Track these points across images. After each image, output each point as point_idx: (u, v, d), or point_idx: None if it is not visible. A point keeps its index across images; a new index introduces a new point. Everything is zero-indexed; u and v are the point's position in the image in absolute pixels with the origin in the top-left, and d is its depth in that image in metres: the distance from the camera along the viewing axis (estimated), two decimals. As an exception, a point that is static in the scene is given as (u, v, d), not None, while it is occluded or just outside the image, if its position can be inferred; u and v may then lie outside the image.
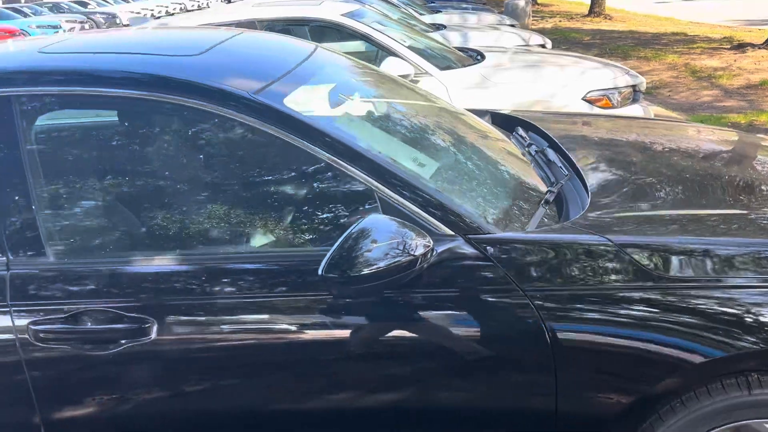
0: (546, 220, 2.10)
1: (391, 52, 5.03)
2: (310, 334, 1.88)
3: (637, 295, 1.84)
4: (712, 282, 1.86)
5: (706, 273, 1.87)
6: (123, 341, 1.85)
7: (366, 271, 1.72)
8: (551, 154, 2.63)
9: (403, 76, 4.75)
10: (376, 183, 1.90)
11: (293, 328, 1.86)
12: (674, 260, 1.90)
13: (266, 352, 1.87)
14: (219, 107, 1.94)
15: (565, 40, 13.83)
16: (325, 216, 1.99)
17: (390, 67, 4.74)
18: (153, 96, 1.93)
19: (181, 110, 1.96)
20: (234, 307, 1.86)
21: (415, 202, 1.89)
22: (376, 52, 5.33)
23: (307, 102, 2.17)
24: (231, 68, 2.19)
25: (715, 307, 1.83)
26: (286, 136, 1.92)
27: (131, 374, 1.88)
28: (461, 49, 5.98)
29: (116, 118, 2.18)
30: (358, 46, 5.52)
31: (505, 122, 3.25)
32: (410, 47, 5.26)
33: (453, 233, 1.89)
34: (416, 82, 4.92)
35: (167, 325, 1.86)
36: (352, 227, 1.77)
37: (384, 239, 1.76)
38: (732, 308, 1.83)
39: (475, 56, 5.66)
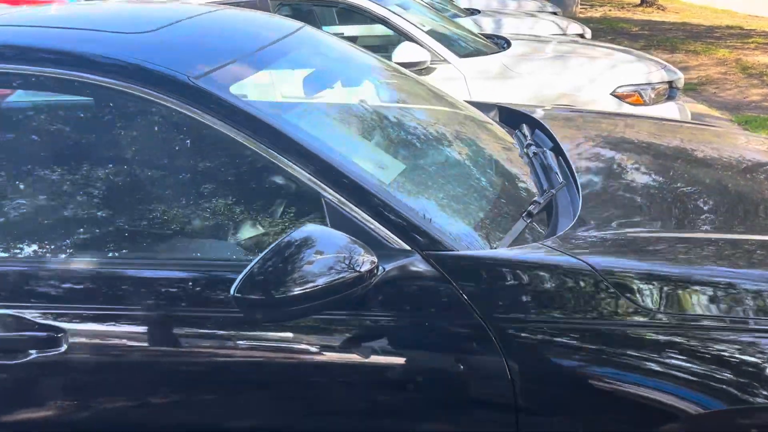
0: (528, 236, 1.83)
1: (408, 37, 4.75)
2: (229, 358, 1.65)
3: (618, 330, 1.57)
4: (720, 322, 1.57)
5: (714, 311, 1.59)
6: (32, 351, 1.66)
7: (297, 290, 1.47)
8: (550, 158, 2.34)
9: (418, 63, 4.49)
10: (322, 185, 1.65)
11: (212, 349, 1.64)
12: (672, 294, 1.62)
13: (185, 372, 1.66)
14: (152, 92, 1.71)
15: (611, 30, 13.28)
16: (262, 222, 1.75)
17: (404, 52, 4.47)
18: (76, 76, 1.72)
19: (107, 94, 1.74)
20: (153, 320, 1.65)
21: (367, 209, 1.64)
22: (395, 36, 5.05)
23: (262, 89, 1.94)
24: (181, 48, 1.96)
25: (722, 352, 1.54)
26: (224, 127, 1.68)
27: (40, 387, 1.68)
28: (488, 36, 5.65)
29: (34, 101, 1.97)
30: (378, 29, 5.26)
31: (512, 118, 2.96)
32: (430, 32, 4.97)
33: (408, 248, 1.64)
34: (432, 69, 4.64)
35: (80, 336, 1.65)
36: (286, 235, 1.53)
37: (330, 251, 1.52)
38: (749, 355, 1.54)
39: (501, 44, 5.34)
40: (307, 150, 1.67)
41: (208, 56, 1.93)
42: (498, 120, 2.96)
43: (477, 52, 5.00)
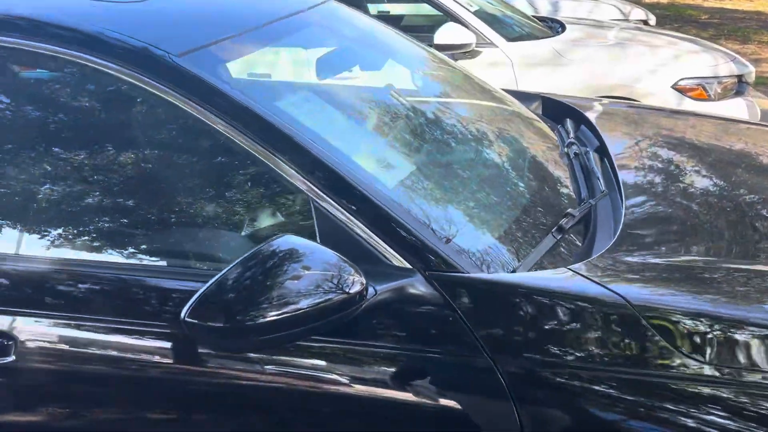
0: (556, 256, 1.55)
1: (453, 17, 4.44)
2: (187, 376, 1.43)
3: (655, 381, 1.30)
4: None
5: None
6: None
7: (272, 315, 1.23)
8: (593, 160, 2.04)
9: (462, 46, 4.20)
10: (311, 186, 1.41)
11: (169, 365, 1.43)
12: (725, 339, 1.33)
13: (138, 388, 1.45)
14: (129, 71, 1.49)
15: (678, 18, 12.60)
16: (236, 227, 1.52)
17: (447, 33, 4.18)
18: (40, 48, 1.51)
19: (78, 70, 1.53)
20: (108, 329, 1.45)
21: (363, 217, 1.39)
22: (443, 16, 4.74)
23: (262, 71, 1.70)
24: (173, 20, 1.74)
25: None
26: (203, 114, 1.45)
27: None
28: (541, 19, 5.29)
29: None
30: (425, 9, 4.96)
31: (556, 111, 2.65)
32: (478, 12, 4.64)
33: (409, 266, 1.39)
34: (477, 53, 4.34)
35: (29, 345, 1.46)
36: (265, 244, 1.30)
37: (317, 267, 1.29)
38: None
39: (555, 28, 4.98)
40: (295, 143, 1.43)
41: (202, 30, 1.69)
42: (540, 113, 2.66)
43: (527, 36, 4.67)
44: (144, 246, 1.53)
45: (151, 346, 1.44)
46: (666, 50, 4.56)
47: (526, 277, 1.42)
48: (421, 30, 4.77)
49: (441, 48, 4.12)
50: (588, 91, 4.13)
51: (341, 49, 2.12)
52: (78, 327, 1.46)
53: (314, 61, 1.98)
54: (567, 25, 4.91)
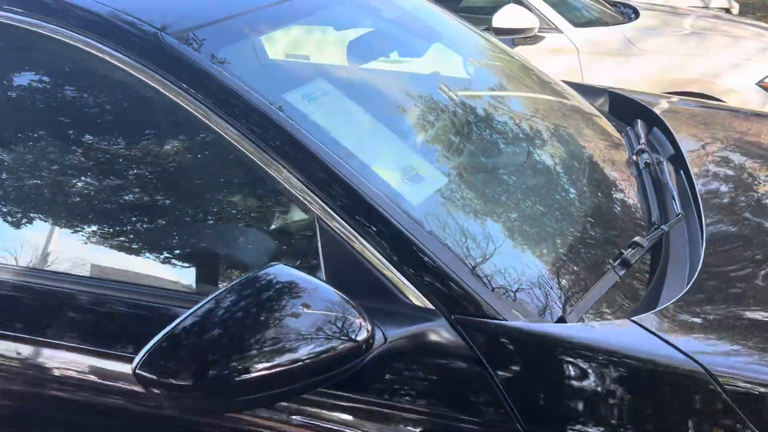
0: (617, 300, 1.25)
1: (515, -1, 4.11)
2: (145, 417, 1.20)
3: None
4: None
5: None
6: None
7: (263, 368, 0.98)
8: (667, 172, 1.72)
9: (523, 30, 3.87)
10: (318, 200, 1.15)
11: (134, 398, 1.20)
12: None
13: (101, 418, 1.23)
14: (109, 48, 1.25)
15: (763, 6, 11.80)
16: (223, 246, 1.27)
17: (507, 16, 3.86)
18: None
19: (46, 45, 1.30)
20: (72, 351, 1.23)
21: (377, 241, 1.13)
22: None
23: (273, 55, 1.44)
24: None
25: None
26: (192, 104, 1.20)
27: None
28: (613, 4, 4.89)
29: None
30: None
31: (625, 109, 2.31)
32: (543, -7, 4.29)
33: (431, 306, 1.12)
34: (540, 38, 4.00)
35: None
36: (260, 272, 1.05)
37: (318, 307, 1.03)
38: None
39: (627, 14, 4.59)
40: (301, 145, 1.17)
41: (206, 5, 1.45)
42: (607, 111, 2.33)
43: (596, 22, 4.31)
44: (111, 258, 1.29)
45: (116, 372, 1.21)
46: (751, 42, 4.13)
47: (578, 328, 1.13)
48: (480, 12, 4.46)
49: (500, 32, 3.82)
50: (660, 85, 3.78)
51: (378, 31, 1.84)
52: (39, 348, 1.25)
53: (345, 45, 1.71)
54: (641, 11, 4.52)
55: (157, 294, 1.22)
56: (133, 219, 1.30)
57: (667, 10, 4.93)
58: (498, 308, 1.11)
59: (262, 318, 1.00)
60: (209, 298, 1.01)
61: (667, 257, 1.38)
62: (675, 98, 2.64)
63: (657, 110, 2.19)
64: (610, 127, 2.03)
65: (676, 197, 1.57)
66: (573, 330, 1.12)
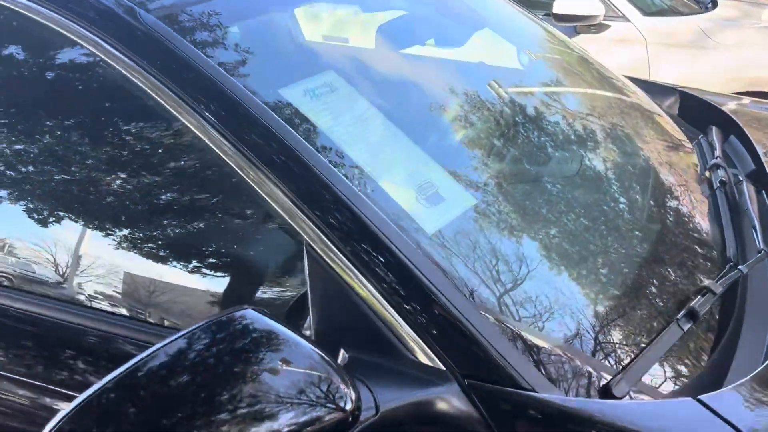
0: (681, 365, 1.00)
1: (580, -18, 3.80)
2: None
3: None
4: None
5: None
6: None
7: None
8: (746, 193, 1.43)
9: (587, 17, 3.58)
10: (305, 219, 0.93)
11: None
12: None
13: None
14: (80, 27, 1.05)
15: None
16: (192, 271, 1.05)
17: (570, 1, 3.56)
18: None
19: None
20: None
21: (380, 279, 0.90)
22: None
23: (280, 41, 1.21)
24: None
25: None
26: (171, 100, 0.99)
27: None
28: (688, -9, 4.52)
29: None
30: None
31: (698, 112, 2.02)
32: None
33: (442, 367, 0.88)
34: (605, 27, 3.69)
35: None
36: (231, 312, 0.83)
37: (300, 363, 0.81)
38: None
39: (704, 3, 4.23)
40: (289, 149, 0.95)
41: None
42: (677, 113, 2.04)
43: (669, 11, 3.98)
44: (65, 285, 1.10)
45: None
46: None
47: (627, 407, 0.88)
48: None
49: (560, 18, 3.54)
50: (737, 84, 3.47)
51: (412, 15, 1.60)
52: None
53: (371, 31, 1.48)
54: (719, 1, 4.14)
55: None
56: (97, 233, 1.11)
57: (749, 0, 4.53)
58: (526, 375, 0.87)
59: (236, 370, 0.78)
60: (158, 346, 0.80)
61: (743, 309, 1.11)
62: (757, 101, 2.31)
63: (736, 116, 1.89)
64: (680, 135, 1.75)
65: (757, 228, 1.29)
66: (621, 409, 0.87)
